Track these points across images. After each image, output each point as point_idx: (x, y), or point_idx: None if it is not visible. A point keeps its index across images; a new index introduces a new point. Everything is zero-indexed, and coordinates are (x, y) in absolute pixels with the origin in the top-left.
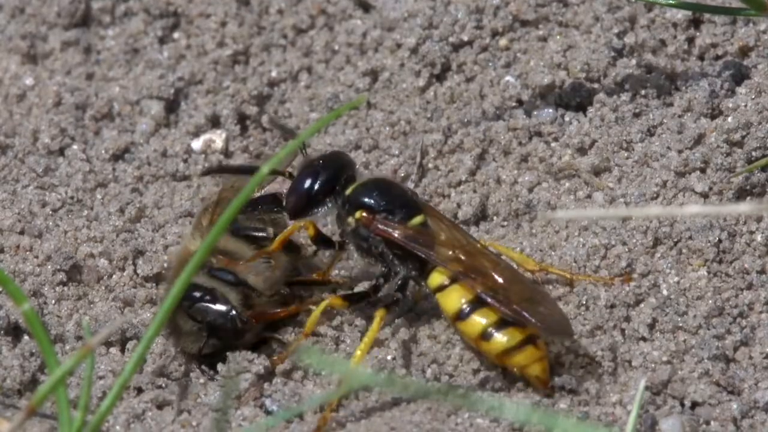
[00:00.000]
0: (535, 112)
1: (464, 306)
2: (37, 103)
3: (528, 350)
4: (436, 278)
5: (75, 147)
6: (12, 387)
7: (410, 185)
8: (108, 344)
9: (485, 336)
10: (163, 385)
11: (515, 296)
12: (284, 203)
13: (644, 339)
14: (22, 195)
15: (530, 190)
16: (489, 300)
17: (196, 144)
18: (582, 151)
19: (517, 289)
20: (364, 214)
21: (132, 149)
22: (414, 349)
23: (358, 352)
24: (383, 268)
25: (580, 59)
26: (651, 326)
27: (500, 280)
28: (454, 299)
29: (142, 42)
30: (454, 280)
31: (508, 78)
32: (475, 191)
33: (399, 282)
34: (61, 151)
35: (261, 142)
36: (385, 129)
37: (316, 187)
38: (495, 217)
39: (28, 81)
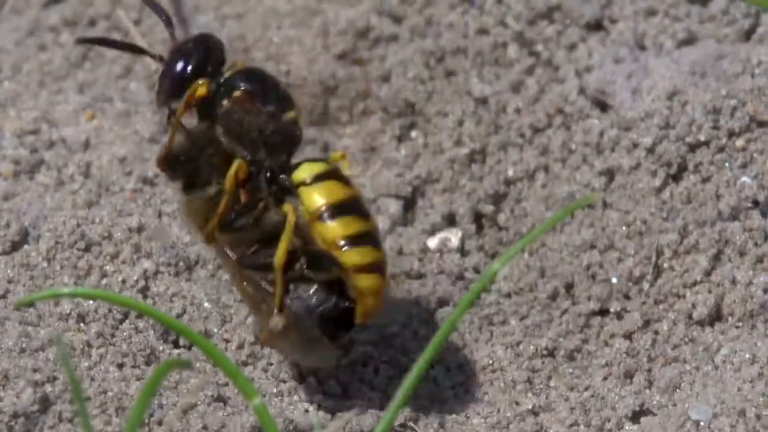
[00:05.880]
0: None
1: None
2: None
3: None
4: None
5: None
6: None
7: (645, 285)
8: None
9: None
10: None
11: None
12: (158, 87)
13: None
14: None
15: (765, 291)
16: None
17: (432, 242)
18: None
19: None
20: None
21: None
22: None
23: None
24: (248, 157)
25: None
26: None
27: None
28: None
29: (380, 140)
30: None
31: (744, 179)
32: (710, 291)
33: (267, 174)
34: None
35: (496, 240)
36: (621, 229)
37: (190, 68)
38: (729, 318)
39: None
